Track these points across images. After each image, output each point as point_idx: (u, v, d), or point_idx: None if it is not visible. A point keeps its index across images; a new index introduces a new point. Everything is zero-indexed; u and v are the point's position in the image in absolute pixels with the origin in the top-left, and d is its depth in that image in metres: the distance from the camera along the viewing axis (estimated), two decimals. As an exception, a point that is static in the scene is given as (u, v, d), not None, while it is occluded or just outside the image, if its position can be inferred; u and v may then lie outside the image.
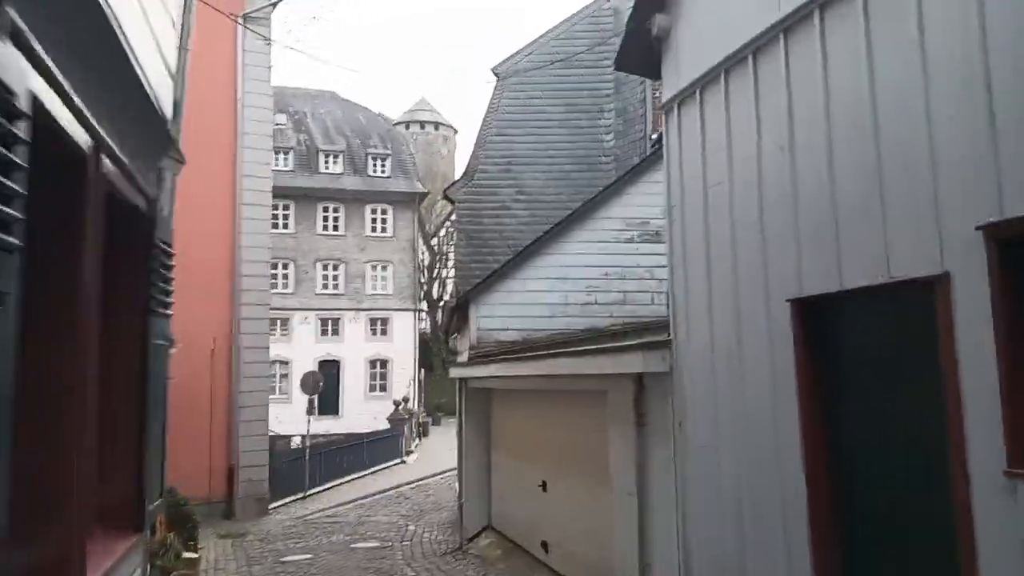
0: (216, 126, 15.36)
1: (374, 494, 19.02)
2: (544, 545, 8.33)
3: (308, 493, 18.13)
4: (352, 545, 11.93)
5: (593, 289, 11.25)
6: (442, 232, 61.17)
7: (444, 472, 23.15)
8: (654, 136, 14.70)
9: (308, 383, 18.31)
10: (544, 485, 8.33)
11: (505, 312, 10.96)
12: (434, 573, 9.58)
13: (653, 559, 5.57)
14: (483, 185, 16.36)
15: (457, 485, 15.47)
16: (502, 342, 10.66)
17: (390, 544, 11.86)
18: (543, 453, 8.43)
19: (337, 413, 37.33)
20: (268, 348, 16.17)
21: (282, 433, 24.52)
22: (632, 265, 11.37)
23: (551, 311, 11.06)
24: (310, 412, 18.43)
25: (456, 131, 71.02)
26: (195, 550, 9.08)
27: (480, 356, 10.31)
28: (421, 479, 21.75)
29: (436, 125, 65.65)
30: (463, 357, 13.42)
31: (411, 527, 13.68)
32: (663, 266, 11.66)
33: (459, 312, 11.07)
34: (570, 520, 7.67)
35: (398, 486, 20.42)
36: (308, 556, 11.20)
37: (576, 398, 7.43)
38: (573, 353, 6.32)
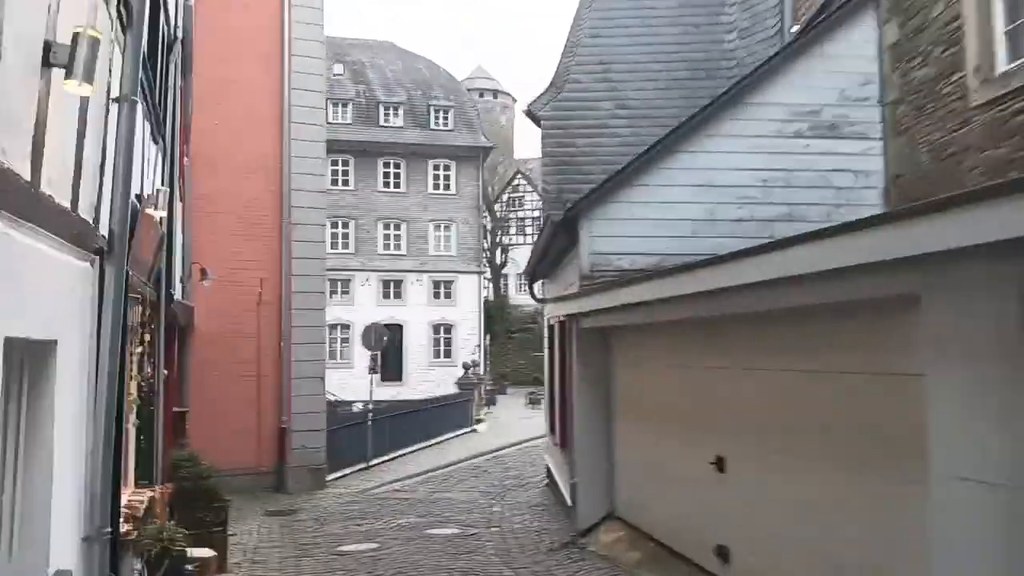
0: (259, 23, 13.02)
1: (445, 466, 16.66)
2: (721, 552, 5.60)
3: (371, 463, 15.87)
4: (427, 531, 9.47)
5: (747, 200, 8.36)
6: (504, 197, 59.00)
7: (520, 443, 20.75)
8: (794, 30, 11.52)
9: (371, 337, 15.97)
10: (720, 463, 5.59)
11: (628, 230, 8.17)
12: (545, 579, 7.00)
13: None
14: (574, 99, 13.48)
15: (548, 458, 12.89)
16: (624, 271, 7.89)
17: (475, 531, 9.35)
18: (719, 417, 5.68)
19: (400, 380, 35.39)
20: (324, 293, 13.81)
21: (343, 399, 22.48)
22: (800, 168, 8.42)
23: (691, 229, 8.23)
24: (373, 370, 16.09)
25: (515, 100, 68.81)
26: (220, 539, 6.75)
27: (596, 289, 7.58)
28: (496, 450, 19.36)
29: (495, 93, 63.47)
30: (553, 306, 10.71)
31: (496, 508, 11.17)
32: (843, 170, 8.72)
33: (561, 234, 8.33)
34: (784, 520, 4.93)
35: (471, 457, 18.04)
36: (372, 545, 8.78)
37: (810, 323, 4.64)
38: (836, 233, 3.54)
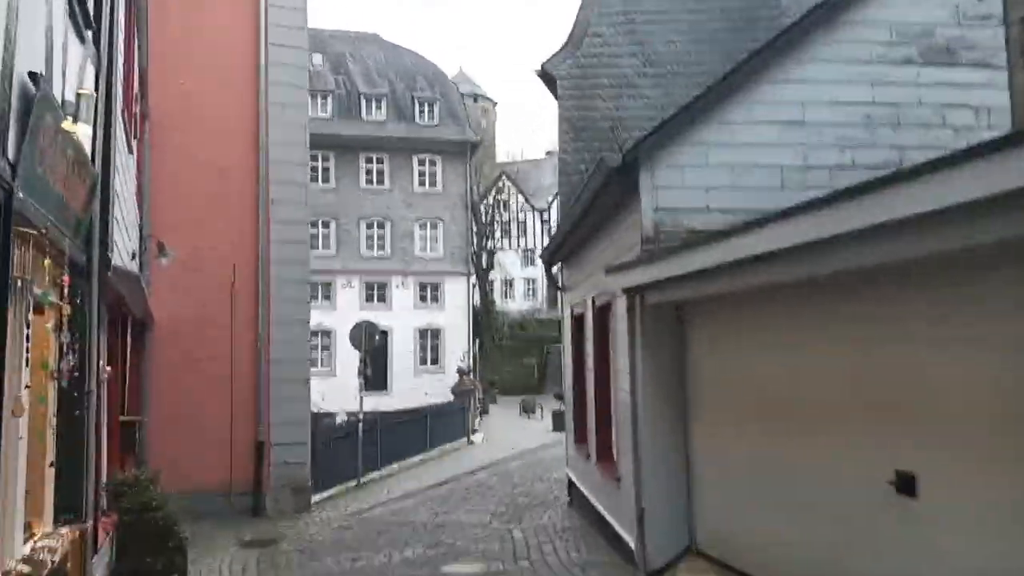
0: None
1: (445, 481, 14.79)
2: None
3: (362, 481, 13.95)
4: (442, 568, 7.60)
5: (848, 143, 6.66)
6: (489, 198, 57.53)
7: (522, 454, 18.95)
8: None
9: (359, 336, 14.06)
10: (904, 482, 3.80)
11: (702, 179, 6.42)
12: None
13: None
14: (595, 55, 11.79)
15: (573, 473, 11.07)
16: (694, 231, 6.14)
17: (502, 568, 7.50)
18: (900, 414, 3.87)
19: (385, 388, 33.29)
20: (308, 284, 11.92)
21: (327, 409, 20.49)
22: (910, 103, 6.75)
23: (781, 178, 6.51)
24: (363, 374, 14.17)
25: (495, 103, 67.69)
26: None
27: (662, 252, 5.82)
28: (497, 462, 17.52)
29: (475, 97, 62.13)
30: (591, 283, 8.94)
31: (516, 534, 9.34)
32: (961, 105, 7.05)
33: (614, 185, 6.55)
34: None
35: (472, 471, 16.18)
36: (375, 587, 6.94)
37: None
38: None
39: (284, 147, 11.51)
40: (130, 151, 7.20)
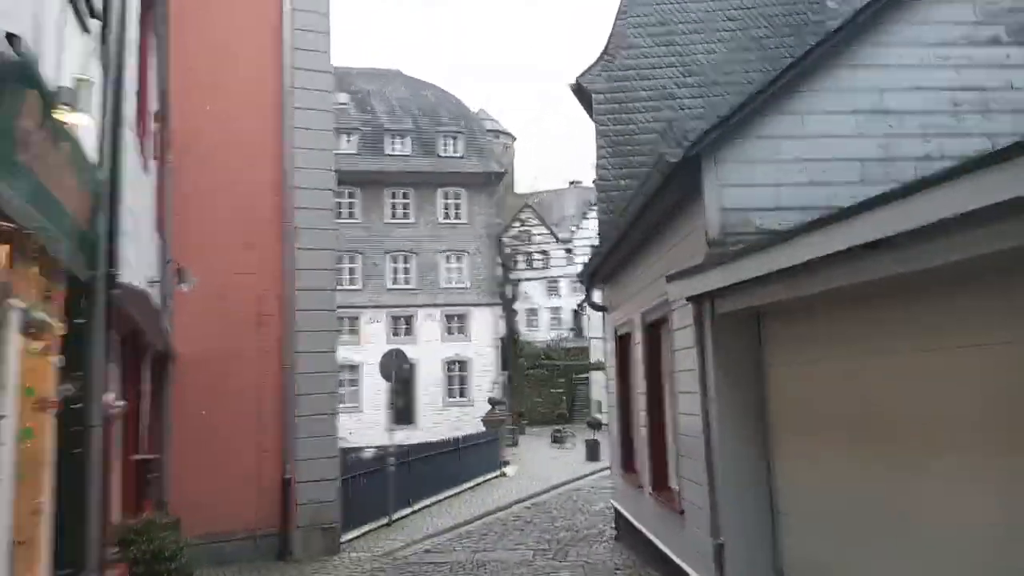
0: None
1: (481, 516, 14.01)
2: None
3: (393, 518, 13.20)
4: (489, 616, 6.85)
5: (934, 131, 5.98)
6: (513, 229, 57.41)
7: (558, 486, 18.10)
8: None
9: (390, 366, 13.43)
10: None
11: (772, 176, 5.76)
12: None
13: None
14: (632, 67, 11.27)
15: (620, 505, 10.27)
16: (764, 232, 5.47)
17: (556, 614, 6.73)
18: None
19: (412, 422, 32.70)
20: (335, 314, 11.34)
21: (354, 444, 19.83)
22: (1000, 86, 6.06)
23: (860, 172, 5.83)
24: (393, 403, 13.51)
25: (515, 138, 68.11)
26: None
27: (732, 254, 5.15)
28: (533, 495, 16.68)
29: (496, 133, 62.29)
30: (639, 300, 8.26)
31: (564, 574, 8.55)
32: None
33: (673, 184, 5.91)
34: None
35: (508, 505, 15.38)
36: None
37: None
38: None
39: (310, 172, 11.06)
40: (145, 170, 6.73)
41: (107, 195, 4.54)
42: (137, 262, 6.39)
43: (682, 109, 11.02)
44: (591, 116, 11.55)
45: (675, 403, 6.92)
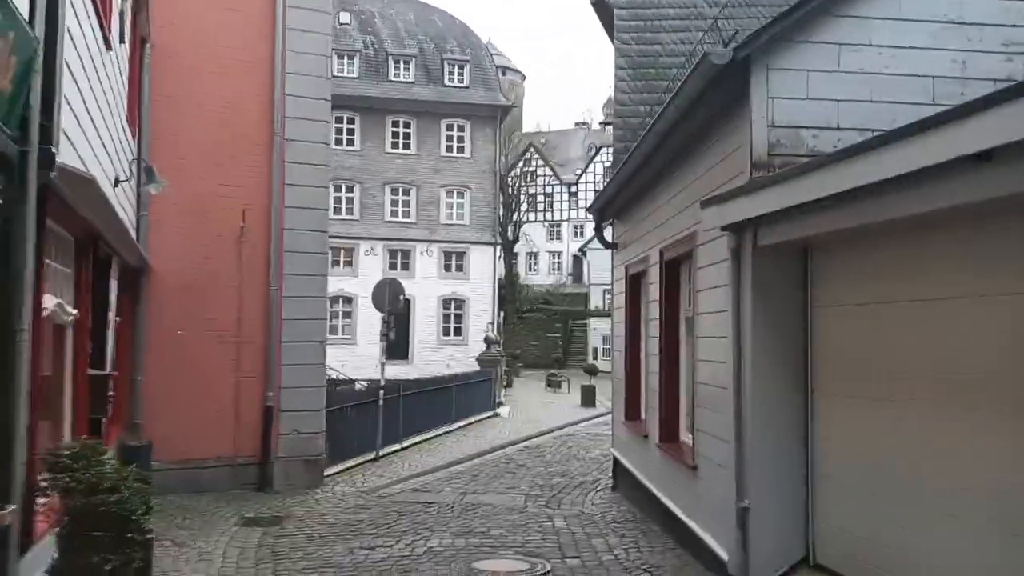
0: None
1: (472, 456, 13.59)
2: None
3: (381, 454, 12.75)
4: (473, 566, 6.31)
5: (1017, 48, 5.15)
6: (517, 169, 56.21)
7: (552, 430, 17.68)
8: None
9: (382, 294, 12.77)
10: None
11: (830, 90, 4.96)
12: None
13: None
14: (659, -20, 10.26)
15: (620, 455, 9.75)
16: (816, 154, 4.70)
17: (547, 570, 6.19)
18: None
19: (406, 358, 32.28)
20: (326, 232, 10.59)
21: (345, 376, 19.34)
22: (1102, 0, 5.20)
23: (930, 90, 5.03)
24: (385, 335, 12.91)
25: (524, 76, 66.15)
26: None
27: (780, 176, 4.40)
28: (527, 439, 16.26)
29: (503, 70, 60.30)
30: (658, 233, 7.51)
31: (559, 523, 8.06)
32: None
33: (716, 91, 5.10)
34: None
35: (500, 447, 14.97)
36: (395, 587, 5.68)
37: None
38: None
39: (302, 79, 10.15)
40: (108, 48, 5.89)
41: (44, 57, 3.75)
42: (97, 153, 5.62)
43: (713, 31, 10.06)
44: (611, 37, 10.60)
45: (694, 349, 6.25)
